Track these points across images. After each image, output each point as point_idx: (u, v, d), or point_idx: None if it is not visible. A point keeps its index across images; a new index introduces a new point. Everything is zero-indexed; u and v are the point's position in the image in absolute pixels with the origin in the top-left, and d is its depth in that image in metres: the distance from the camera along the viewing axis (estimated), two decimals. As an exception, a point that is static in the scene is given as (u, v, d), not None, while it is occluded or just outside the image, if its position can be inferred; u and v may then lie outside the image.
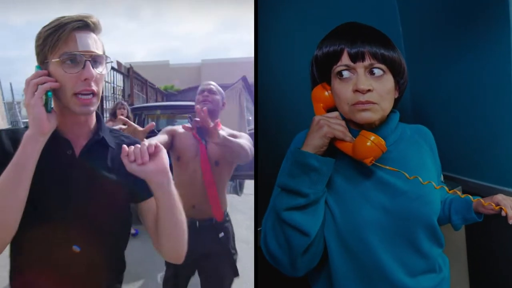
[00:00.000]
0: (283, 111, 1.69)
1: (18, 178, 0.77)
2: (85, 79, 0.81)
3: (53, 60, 0.81)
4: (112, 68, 9.06)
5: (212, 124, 1.51)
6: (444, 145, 1.79)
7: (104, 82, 0.90)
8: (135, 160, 0.81)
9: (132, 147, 0.82)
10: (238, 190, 4.15)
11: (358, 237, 0.97)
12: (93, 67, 0.82)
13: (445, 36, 1.78)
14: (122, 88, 10.18)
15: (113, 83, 9.34)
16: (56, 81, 0.81)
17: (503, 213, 0.98)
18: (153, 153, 0.83)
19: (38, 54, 0.85)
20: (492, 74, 1.58)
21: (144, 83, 11.88)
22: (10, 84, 5.05)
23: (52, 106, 0.81)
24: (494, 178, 1.69)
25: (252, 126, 3.38)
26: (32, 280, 0.87)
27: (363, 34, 0.92)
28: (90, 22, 0.84)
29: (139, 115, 4.75)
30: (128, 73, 10.83)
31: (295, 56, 1.58)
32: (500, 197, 1.02)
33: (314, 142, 0.90)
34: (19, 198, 0.77)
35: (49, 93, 0.79)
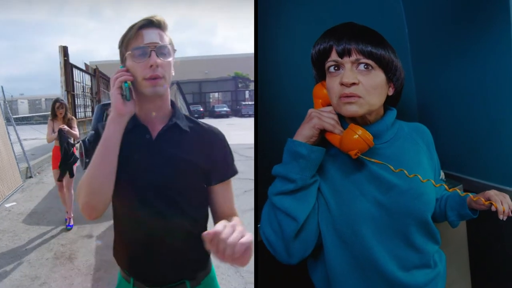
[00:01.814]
0: (282, 109, 1.70)
1: (106, 152, 0.90)
2: (151, 66, 0.90)
3: (126, 55, 0.93)
4: (80, 69, 10.23)
5: None
6: (447, 144, 1.80)
7: (171, 68, 0.96)
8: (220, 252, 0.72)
9: (222, 232, 0.72)
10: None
11: (352, 229, 0.98)
12: (158, 56, 0.91)
13: (449, 36, 1.76)
14: (90, 86, 11.37)
15: (82, 82, 10.50)
16: (131, 75, 0.92)
17: (493, 208, 0.97)
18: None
19: (120, 55, 0.97)
20: (494, 74, 1.56)
21: (109, 81, 12.94)
22: (1, 87, 6.09)
23: (130, 95, 0.92)
24: (497, 177, 1.66)
25: (185, 110, 4.77)
26: (126, 245, 1.00)
27: (350, 32, 0.95)
28: (154, 20, 0.94)
29: (106, 109, 5.29)
30: (95, 73, 11.99)
31: (295, 54, 1.59)
32: (492, 193, 1.01)
33: (304, 132, 0.94)
34: (108, 168, 0.90)
35: (126, 84, 0.91)
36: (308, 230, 0.98)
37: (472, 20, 1.62)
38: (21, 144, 6.04)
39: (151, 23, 0.94)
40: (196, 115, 22.84)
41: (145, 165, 0.95)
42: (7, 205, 4.46)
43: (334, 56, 0.95)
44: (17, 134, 6.01)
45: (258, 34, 1.55)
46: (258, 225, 1.08)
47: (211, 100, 30.23)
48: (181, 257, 0.99)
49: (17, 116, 15.56)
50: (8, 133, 5.45)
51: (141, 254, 0.97)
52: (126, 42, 0.94)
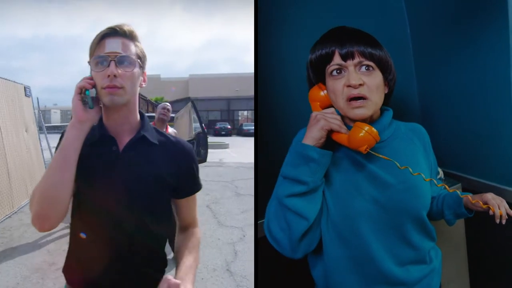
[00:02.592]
0: (281, 112, 1.72)
1: (63, 159, 0.86)
2: (108, 76, 0.87)
3: (88, 62, 0.91)
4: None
5: None
6: (447, 143, 1.85)
7: (134, 79, 0.92)
8: None
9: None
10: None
11: (350, 227, 1.02)
12: (118, 66, 0.88)
13: (451, 36, 1.77)
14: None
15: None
16: (93, 83, 0.90)
17: (490, 212, 0.99)
18: None
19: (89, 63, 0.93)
20: (494, 74, 1.58)
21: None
22: (37, 98, 6.71)
23: (92, 103, 0.90)
24: (496, 176, 1.66)
25: (198, 126, 5.19)
26: (81, 260, 0.94)
27: (351, 36, 1.00)
28: (118, 29, 0.91)
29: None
30: (123, 87, 12.67)
31: (295, 54, 1.58)
32: (489, 196, 1.03)
33: (313, 135, 0.96)
34: (65, 177, 0.85)
35: (87, 92, 0.89)
36: (314, 228, 1.03)
37: (472, 20, 1.64)
38: (50, 151, 6.61)
39: (115, 32, 0.92)
40: (223, 133, 22.96)
41: (111, 177, 0.92)
42: (34, 204, 4.97)
43: (337, 60, 0.99)
44: (47, 142, 6.60)
45: (258, 34, 1.56)
46: (259, 222, 1.10)
47: (239, 118, 30.12)
48: (142, 276, 0.96)
49: (50, 124, 16.51)
50: (39, 140, 6.04)
51: (98, 271, 0.90)
52: (91, 49, 0.93)
